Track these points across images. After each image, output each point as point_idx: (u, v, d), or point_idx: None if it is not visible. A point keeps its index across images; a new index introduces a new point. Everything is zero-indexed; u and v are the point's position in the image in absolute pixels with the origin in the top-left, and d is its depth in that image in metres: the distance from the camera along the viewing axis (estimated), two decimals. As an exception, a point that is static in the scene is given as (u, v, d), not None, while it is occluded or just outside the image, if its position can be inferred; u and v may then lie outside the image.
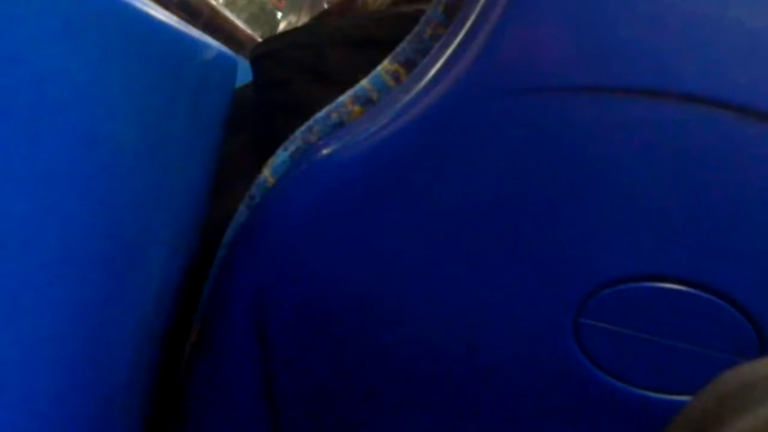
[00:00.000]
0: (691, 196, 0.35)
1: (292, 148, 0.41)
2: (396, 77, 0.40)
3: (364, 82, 0.41)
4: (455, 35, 0.37)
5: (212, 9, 1.39)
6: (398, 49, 0.40)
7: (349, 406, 0.39)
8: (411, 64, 0.40)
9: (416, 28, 0.40)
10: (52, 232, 0.29)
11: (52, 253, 0.29)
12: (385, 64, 0.41)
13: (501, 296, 0.36)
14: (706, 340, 0.36)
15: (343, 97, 0.41)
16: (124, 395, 0.40)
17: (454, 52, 0.36)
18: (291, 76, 0.49)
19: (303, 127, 0.41)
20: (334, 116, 0.40)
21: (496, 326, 0.37)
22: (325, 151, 0.38)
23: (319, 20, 0.57)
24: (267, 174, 0.41)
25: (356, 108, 0.40)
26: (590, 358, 0.36)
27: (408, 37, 0.40)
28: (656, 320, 0.36)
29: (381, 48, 0.41)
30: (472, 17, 0.36)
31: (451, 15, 0.39)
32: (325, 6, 0.59)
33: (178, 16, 0.39)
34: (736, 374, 0.24)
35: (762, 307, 0.35)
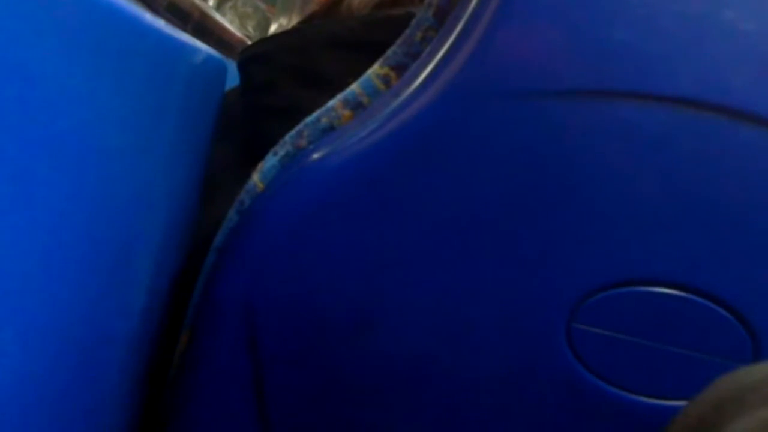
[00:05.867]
0: (684, 200, 0.35)
1: (281, 152, 0.41)
2: (386, 81, 0.40)
3: (354, 86, 0.40)
4: (446, 39, 0.36)
5: (202, 12, 1.39)
6: (389, 52, 0.40)
7: (341, 412, 0.39)
8: (402, 68, 0.39)
9: (407, 32, 0.40)
10: (39, 236, 0.29)
11: (39, 256, 0.29)
12: (376, 68, 0.40)
13: (493, 301, 0.36)
14: (700, 345, 0.36)
15: (333, 101, 0.40)
16: (113, 403, 0.39)
17: (445, 55, 0.36)
18: (279, 79, 0.49)
19: (293, 131, 0.41)
20: (324, 120, 0.40)
21: (489, 332, 0.37)
22: (315, 156, 0.38)
23: (307, 23, 0.57)
24: (256, 179, 0.41)
25: (346, 112, 0.40)
26: (583, 363, 0.36)
27: (398, 41, 0.40)
28: (650, 325, 0.36)
29: (371, 51, 0.41)
30: (463, 21, 0.36)
31: (442, 18, 0.39)
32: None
33: (168, 19, 0.39)
34: (731, 379, 0.24)
35: (756, 311, 0.35)
